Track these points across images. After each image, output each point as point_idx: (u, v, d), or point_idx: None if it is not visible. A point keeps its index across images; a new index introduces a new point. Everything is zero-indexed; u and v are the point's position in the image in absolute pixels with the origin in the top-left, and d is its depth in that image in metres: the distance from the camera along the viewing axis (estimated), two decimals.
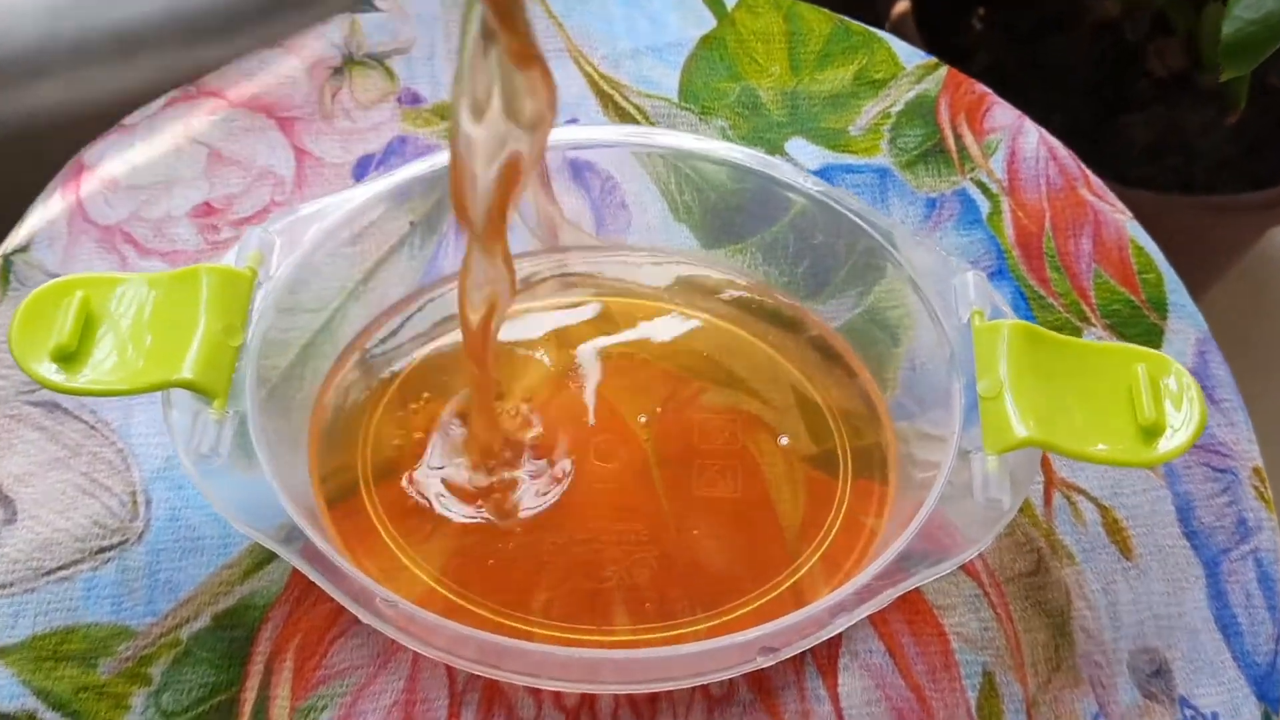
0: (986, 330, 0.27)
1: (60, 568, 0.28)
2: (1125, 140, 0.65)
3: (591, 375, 0.31)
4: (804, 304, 0.32)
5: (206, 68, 0.36)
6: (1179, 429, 0.25)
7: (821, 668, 0.27)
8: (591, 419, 0.30)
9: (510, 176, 0.24)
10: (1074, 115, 0.64)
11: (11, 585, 0.28)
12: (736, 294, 0.32)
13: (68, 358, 0.25)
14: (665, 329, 0.32)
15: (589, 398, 0.30)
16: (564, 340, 0.31)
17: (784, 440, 0.29)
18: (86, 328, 0.25)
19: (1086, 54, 0.66)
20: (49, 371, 0.25)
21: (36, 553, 0.28)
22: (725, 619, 0.27)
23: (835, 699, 0.27)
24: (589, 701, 0.27)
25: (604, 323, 0.32)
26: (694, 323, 0.32)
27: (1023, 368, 0.26)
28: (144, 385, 0.25)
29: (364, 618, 0.24)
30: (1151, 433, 0.25)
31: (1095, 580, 0.29)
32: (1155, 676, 0.28)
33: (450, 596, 0.27)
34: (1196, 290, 0.34)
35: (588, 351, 0.31)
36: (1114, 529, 0.30)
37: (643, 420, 0.30)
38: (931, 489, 0.26)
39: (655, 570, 0.27)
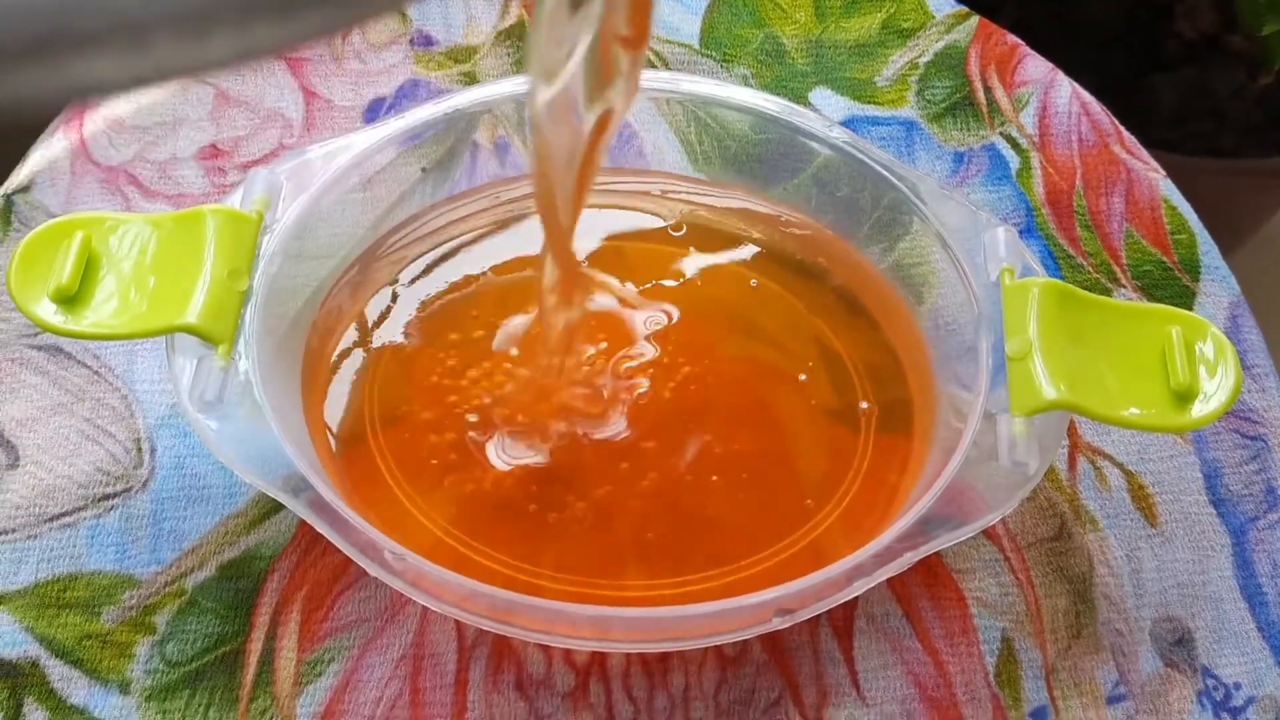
0: (1016, 289, 0.26)
1: (63, 514, 0.28)
2: (1152, 101, 0.64)
3: (605, 320, 0.30)
4: (838, 242, 0.30)
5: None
6: (1213, 394, 0.25)
7: (837, 629, 0.27)
8: (605, 366, 0.29)
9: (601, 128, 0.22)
10: (1101, 74, 0.62)
11: (14, 531, 0.27)
12: (757, 238, 0.31)
13: (68, 300, 0.24)
14: (682, 273, 0.31)
15: (602, 344, 0.29)
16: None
17: (817, 396, 0.28)
18: (88, 269, 0.25)
19: (1115, 12, 0.65)
20: (48, 313, 0.24)
21: (39, 499, 0.28)
22: (741, 575, 0.26)
23: (850, 662, 0.27)
24: (600, 659, 0.26)
25: (617, 265, 0.31)
26: (712, 267, 0.31)
27: (1053, 328, 0.25)
28: (147, 329, 0.24)
29: (372, 571, 0.23)
30: (1184, 397, 0.25)
31: (1119, 547, 0.28)
32: (1177, 645, 0.27)
33: (459, 548, 0.26)
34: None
35: (602, 295, 0.30)
36: (1139, 495, 0.29)
37: (657, 367, 0.29)
38: (955, 450, 0.25)
39: (669, 523, 0.27)
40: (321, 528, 0.23)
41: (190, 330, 0.24)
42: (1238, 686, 0.27)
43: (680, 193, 0.32)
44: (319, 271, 0.29)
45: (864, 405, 0.28)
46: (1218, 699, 0.27)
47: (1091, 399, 0.25)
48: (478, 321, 0.29)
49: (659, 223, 0.32)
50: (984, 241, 0.28)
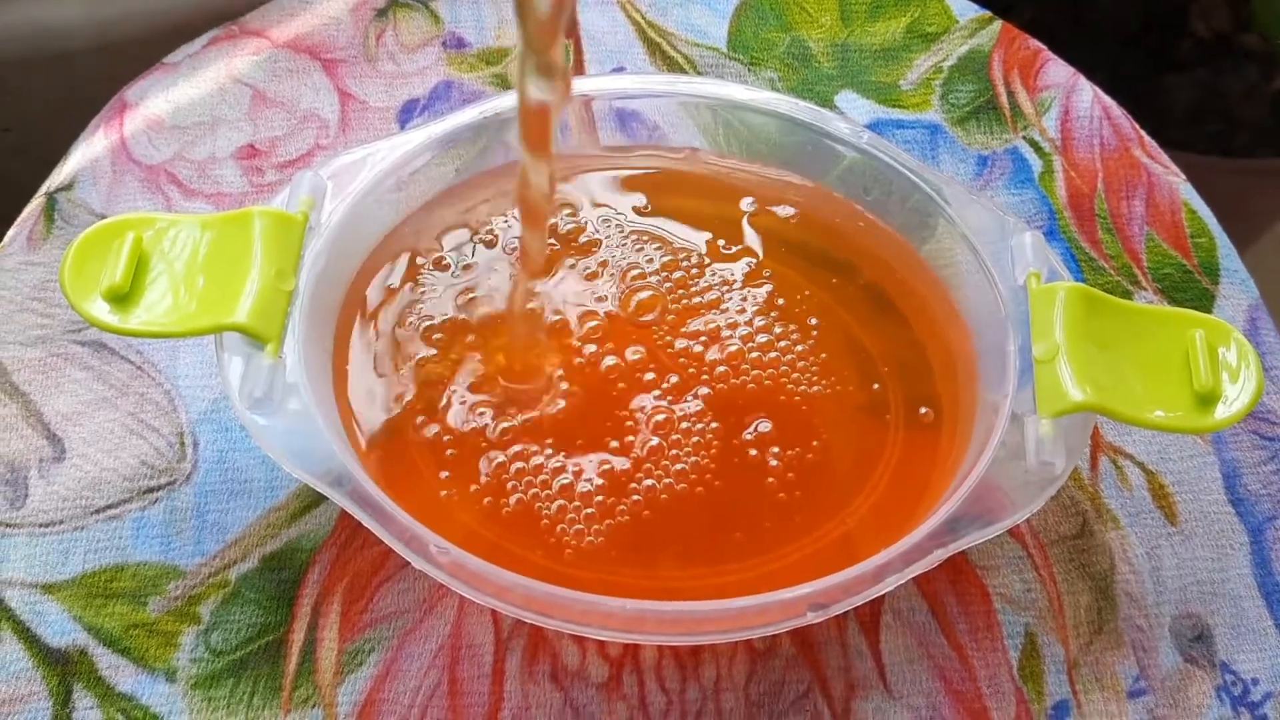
0: (1043, 293, 0.27)
1: (109, 506, 0.28)
2: (1166, 101, 0.64)
3: (638, 310, 0.30)
4: (867, 239, 0.31)
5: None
6: (1235, 397, 0.25)
7: (864, 624, 0.28)
8: (637, 357, 0.29)
9: None
10: (1115, 73, 0.63)
11: (61, 523, 0.28)
12: (787, 232, 0.32)
13: (120, 299, 0.25)
14: (715, 266, 0.31)
15: (634, 335, 0.30)
16: (615, 272, 0.31)
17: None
18: (138, 269, 0.25)
19: (1130, 11, 0.65)
20: (101, 312, 0.25)
21: (85, 491, 0.28)
22: (772, 567, 0.26)
23: (877, 656, 0.27)
24: (633, 651, 0.27)
25: (654, 255, 0.31)
26: (744, 258, 0.31)
27: (1079, 331, 0.26)
28: (197, 328, 0.25)
29: (415, 563, 0.24)
30: (1207, 400, 0.25)
31: (1139, 544, 0.29)
32: (1197, 641, 0.28)
33: (493, 538, 0.27)
34: None
35: (638, 285, 0.31)
36: (1159, 494, 0.30)
37: (690, 359, 0.29)
38: (983, 451, 0.26)
39: (702, 513, 0.27)
40: (368, 522, 0.24)
41: (240, 329, 0.25)
42: (1255, 681, 0.28)
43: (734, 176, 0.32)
44: (353, 268, 0.30)
45: (893, 401, 0.29)
46: (1236, 694, 0.27)
47: (1117, 401, 0.25)
48: (498, 302, 0.30)
49: (689, 210, 0.32)
50: (1011, 246, 0.28)
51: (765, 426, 0.28)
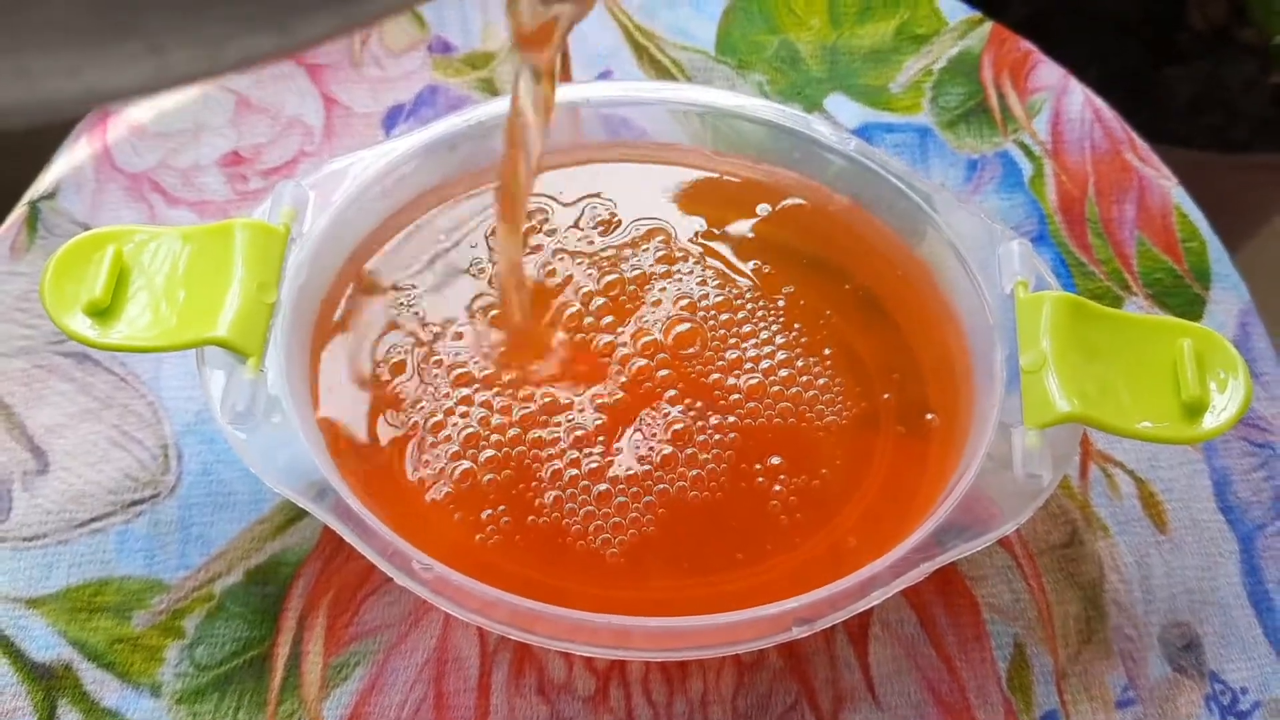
0: (1030, 302, 0.27)
1: (93, 519, 0.28)
2: (1165, 94, 0.64)
3: (627, 317, 0.30)
4: (858, 246, 0.31)
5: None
6: (1223, 407, 0.25)
7: (852, 636, 0.27)
8: (629, 363, 0.29)
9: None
10: (1113, 68, 0.62)
11: (45, 536, 0.28)
12: (778, 236, 0.31)
13: (101, 313, 0.25)
14: (705, 269, 0.31)
15: (624, 341, 0.29)
16: (609, 275, 0.31)
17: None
18: (119, 282, 0.25)
19: (1128, 4, 0.65)
20: (82, 326, 0.25)
21: (69, 504, 0.28)
22: (763, 578, 0.26)
23: (865, 668, 0.27)
24: (620, 664, 0.27)
25: (648, 261, 0.31)
26: (733, 265, 0.31)
27: (1066, 341, 0.26)
28: (178, 343, 0.25)
29: (398, 578, 0.24)
30: (1194, 410, 0.25)
31: (1129, 553, 0.29)
32: (1186, 651, 0.28)
33: (480, 550, 0.27)
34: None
35: (630, 291, 0.30)
36: (1149, 502, 0.30)
37: (683, 366, 0.29)
38: (971, 462, 0.25)
39: (692, 522, 0.27)
40: (350, 537, 0.24)
41: (221, 344, 0.25)
42: (1244, 691, 0.28)
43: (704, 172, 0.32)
44: (334, 279, 0.29)
45: (884, 408, 0.29)
46: (1225, 703, 0.27)
47: (1104, 412, 0.25)
48: (479, 312, 0.29)
49: (680, 220, 0.32)
50: (998, 255, 0.28)
51: (752, 435, 0.28)
